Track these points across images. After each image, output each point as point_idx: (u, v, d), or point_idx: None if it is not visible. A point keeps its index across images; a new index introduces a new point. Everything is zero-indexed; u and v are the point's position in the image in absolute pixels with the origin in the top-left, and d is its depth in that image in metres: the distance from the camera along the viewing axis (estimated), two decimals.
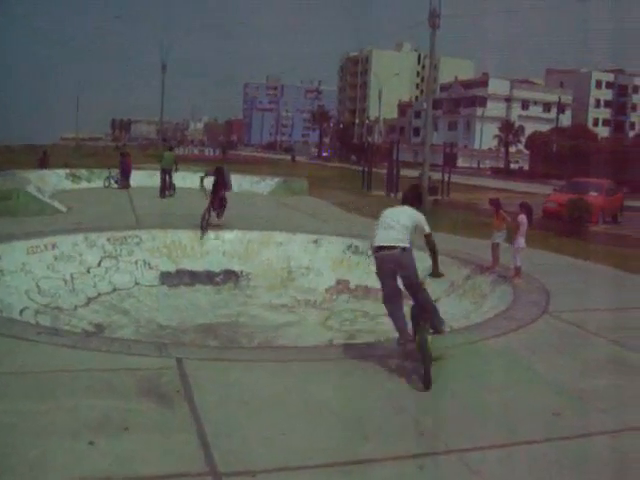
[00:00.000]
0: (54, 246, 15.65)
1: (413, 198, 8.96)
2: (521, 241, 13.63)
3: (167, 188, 29.09)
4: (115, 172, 33.49)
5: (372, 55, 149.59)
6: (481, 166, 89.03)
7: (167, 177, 29.21)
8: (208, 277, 17.35)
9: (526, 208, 14.01)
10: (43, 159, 38.94)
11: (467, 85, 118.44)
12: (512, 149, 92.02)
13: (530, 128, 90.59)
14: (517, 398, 7.43)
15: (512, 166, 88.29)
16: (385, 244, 8.28)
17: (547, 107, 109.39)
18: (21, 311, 12.68)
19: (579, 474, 5.80)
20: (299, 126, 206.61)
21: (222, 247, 18.25)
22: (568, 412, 7.06)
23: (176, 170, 30.03)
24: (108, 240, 16.91)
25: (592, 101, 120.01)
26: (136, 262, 16.90)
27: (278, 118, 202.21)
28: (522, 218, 13.67)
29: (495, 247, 14.49)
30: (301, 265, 17.94)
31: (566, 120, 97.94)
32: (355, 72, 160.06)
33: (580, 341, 9.95)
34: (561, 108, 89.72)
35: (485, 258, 15.55)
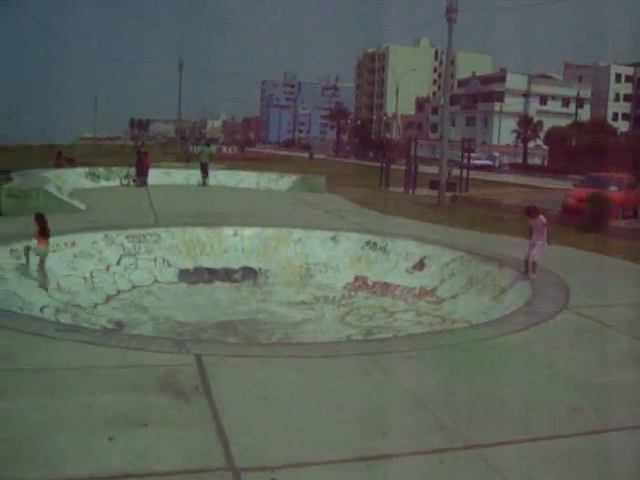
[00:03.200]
0: (74, 244, 15.74)
1: None
2: (545, 241, 13.58)
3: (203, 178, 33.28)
4: (133, 170, 33.68)
5: (389, 51, 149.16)
6: (500, 161, 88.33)
7: (203, 170, 33.44)
8: (227, 274, 17.38)
9: (536, 210, 13.99)
10: (58, 160, 38.89)
11: (485, 80, 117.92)
12: (531, 144, 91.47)
13: (549, 123, 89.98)
14: (536, 394, 7.40)
15: (530, 161, 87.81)
16: None
17: (566, 102, 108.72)
18: (41, 309, 12.75)
19: (599, 470, 5.76)
20: (316, 123, 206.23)
21: (240, 244, 18.27)
22: (587, 408, 7.02)
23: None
24: (127, 238, 16.98)
25: (611, 95, 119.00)
26: (155, 260, 16.96)
27: (295, 115, 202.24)
28: (542, 220, 13.64)
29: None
30: (319, 262, 17.93)
31: (585, 115, 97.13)
32: (372, 68, 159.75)
33: (600, 336, 9.89)
34: (580, 102, 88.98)
35: (505, 254, 15.53)
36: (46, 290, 13.60)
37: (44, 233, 13.74)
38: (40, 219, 13.86)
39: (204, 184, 33.44)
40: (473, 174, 42.65)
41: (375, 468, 5.60)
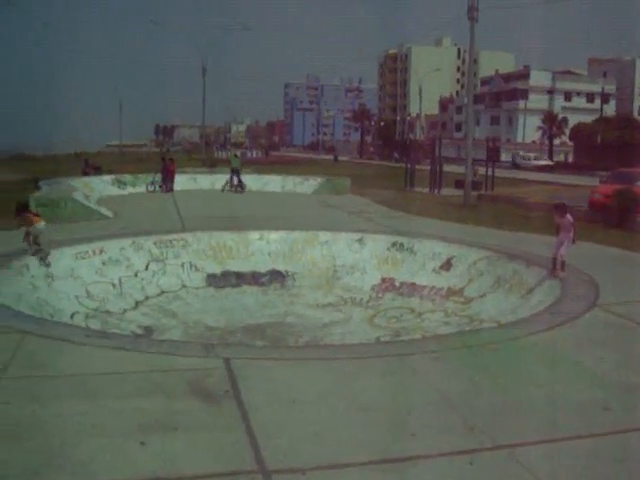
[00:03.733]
0: (102, 251, 15.89)
1: None
2: (571, 239, 13.46)
3: (235, 185, 33.54)
4: (159, 177, 33.94)
5: (411, 51, 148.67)
6: (525, 160, 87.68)
7: (236, 176, 34.04)
8: (254, 278, 17.45)
9: (565, 207, 13.87)
10: (86, 169, 39.18)
11: (508, 78, 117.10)
12: (556, 141, 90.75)
13: (574, 119, 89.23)
14: (566, 393, 7.34)
15: (556, 158, 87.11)
16: None
17: (590, 97, 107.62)
18: (71, 315, 12.90)
19: (629, 469, 5.71)
20: (340, 125, 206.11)
21: (267, 248, 18.33)
22: (618, 407, 6.96)
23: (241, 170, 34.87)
24: (154, 244, 17.11)
25: (637, 89, 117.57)
26: (182, 265, 17.07)
27: (319, 118, 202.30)
28: (569, 219, 13.52)
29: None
30: (346, 264, 17.94)
31: (610, 110, 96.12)
32: (395, 69, 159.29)
33: (630, 334, 9.81)
34: (605, 98, 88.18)
35: (532, 252, 15.45)
36: (45, 264, 14.28)
37: (36, 214, 15.11)
38: (26, 207, 15.28)
39: (236, 190, 33.72)
40: (499, 172, 42.40)
41: (405, 469, 5.60)
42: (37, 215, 15.08)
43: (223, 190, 33.71)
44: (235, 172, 34.48)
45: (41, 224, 14.73)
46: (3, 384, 7.17)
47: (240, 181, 34.18)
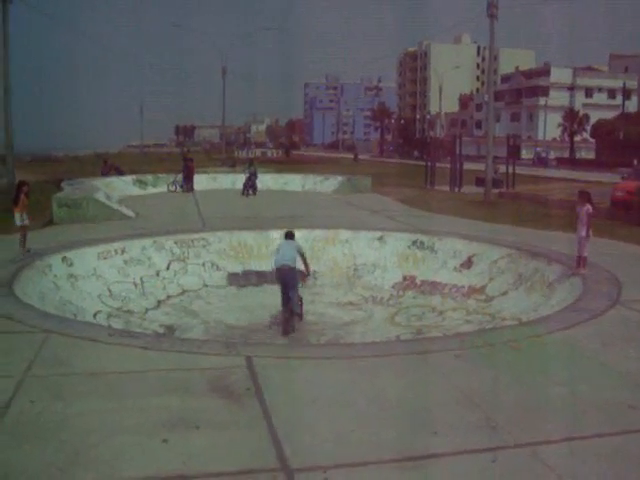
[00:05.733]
0: (123, 251, 16.00)
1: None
2: (589, 231, 13.34)
3: (249, 188, 32.31)
4: (179, 177, 34.07)
5: (431, 49, 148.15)
6: (545, 155, 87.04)
7: (250, 180, 32.57)
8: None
9: (588, 196, 13.73)
10: (105, 169, 39.04)
11: (528, 75, 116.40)
12: (577, 138, 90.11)
13: (595, 116, 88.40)
14: (589, 391, 7.29)
15: (577, 155, 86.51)
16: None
17: (612, 94, 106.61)
18: (94, 315, 12.99)
19: None
20: (360, 124, 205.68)
21: None
22: None
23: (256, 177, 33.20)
24: (176, 243, 17.20)
25: None
26: (204, 264, 17.14)
27: (339, 117, 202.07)
28: (588, 209, 13.38)
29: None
30: (367, 262, 17.93)
31: (632, 106, 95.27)
32: (414, 67, 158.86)
33: None
34: (627, 94, 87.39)
35: (553, 249, 15.38)
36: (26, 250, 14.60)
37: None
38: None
39: (247, 195, 32.32)
40: (520, 170, 42.18)
41: (427, 467, 5.59)
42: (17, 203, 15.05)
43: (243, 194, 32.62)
44: (251, 176, 32.97)
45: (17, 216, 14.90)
46: (27, 383, 7.23)
47: (253, 185, 32.66)
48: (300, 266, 14.19)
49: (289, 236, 14.39)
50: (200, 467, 5.42)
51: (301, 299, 14.44)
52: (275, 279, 14.26)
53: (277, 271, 13.84)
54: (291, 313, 13.65)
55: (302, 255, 14.29)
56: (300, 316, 14.25)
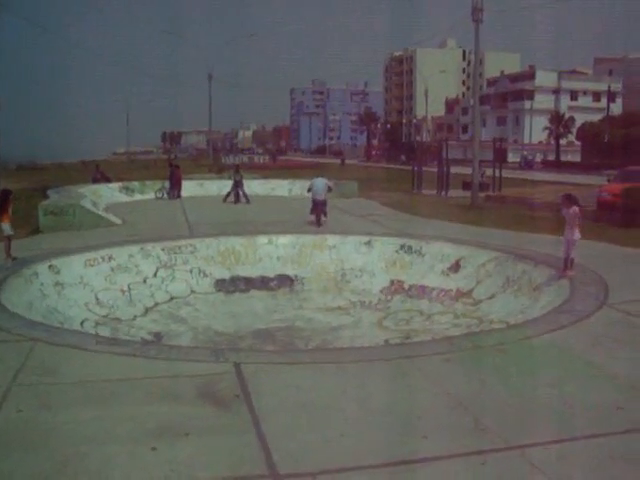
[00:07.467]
0: (110, 258, 15.93)
1: None
2: (577, 233, 13.38)
3: (238, 196, 31.33)
4: (167, 183, 34.01)
5: (416, 54, 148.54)
6: (532, 158, 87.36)
7: (240, 189, 31.56)
8: (263, 283, 17.46)
9: (574, 199, 13.77)
10: (96, 175, 39.00)
11: (514, 79, 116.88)
12: (563, 141, 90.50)
13: (580, 119, 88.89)
14: (578, 392, 7.31)
15: (563, 158, 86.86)
16: None
17: (597, 96, 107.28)
18: (81, 323, 12.93)
19: None
20: (347, 129, 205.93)
21: (275, 252, 18.35)
22: (632, 406, 6.93)
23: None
24: (163, 250, 17.14)
25: None
26: (191, 270, 17.09)
27: (325, 122, 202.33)
28: (575, 210, 13.41)
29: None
30: (354, 267, 17.94)
31: (618, 108, 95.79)
32: (400, 71, 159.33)
33: None
34: (611, 96, 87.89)
35: (540, 252, 15.43)
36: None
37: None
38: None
39: (235, 201, 31.43)
40: (507, 173, 42.32)
41: (417, 472, 5.59)
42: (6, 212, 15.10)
43: (225, 201, 31.56)
44: (238, 185, 32.11)
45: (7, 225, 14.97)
46: (14, 392, 7.19)
47: (244, 194, 31.68)
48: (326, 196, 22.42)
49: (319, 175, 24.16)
50: (189, 475, 5.40)
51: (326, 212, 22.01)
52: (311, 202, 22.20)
53: (313, 201, 22.05)
54: (324, 214, 21.72)
55: (329, 187, 23.11)
56: (325, 214, 21.84)
